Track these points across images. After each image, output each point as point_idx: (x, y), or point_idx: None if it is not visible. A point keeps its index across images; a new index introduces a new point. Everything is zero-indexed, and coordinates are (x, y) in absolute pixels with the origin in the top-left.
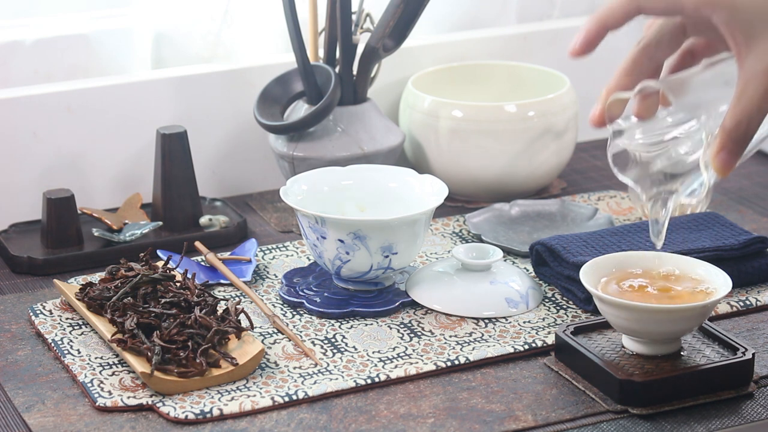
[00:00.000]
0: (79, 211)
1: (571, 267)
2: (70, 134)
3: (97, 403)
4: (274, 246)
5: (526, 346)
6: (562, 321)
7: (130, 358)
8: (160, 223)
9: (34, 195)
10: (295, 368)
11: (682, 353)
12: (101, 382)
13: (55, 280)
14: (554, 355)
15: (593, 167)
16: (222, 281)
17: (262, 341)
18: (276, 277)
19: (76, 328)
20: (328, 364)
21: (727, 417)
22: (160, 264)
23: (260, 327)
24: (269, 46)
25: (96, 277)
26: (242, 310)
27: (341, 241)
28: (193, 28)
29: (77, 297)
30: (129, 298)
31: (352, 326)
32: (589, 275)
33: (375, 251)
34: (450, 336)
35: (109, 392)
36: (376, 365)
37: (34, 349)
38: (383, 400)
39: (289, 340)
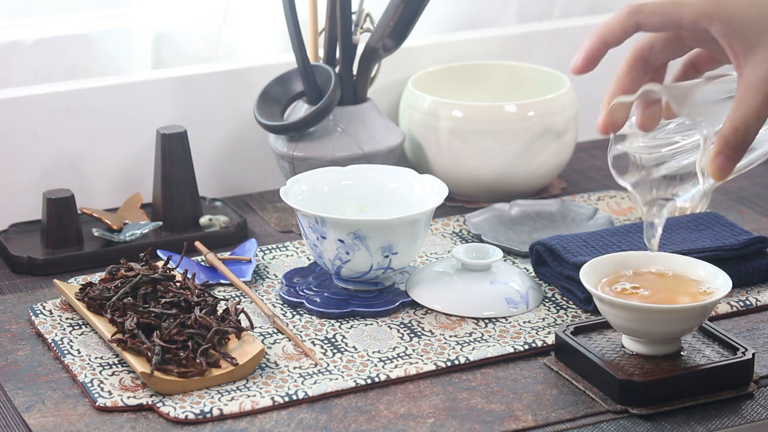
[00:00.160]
0: (79, 211)
1: (571, 267)
2: (70, 134)
3: (97, 403)
4: (274, 246)
5: (526, 346)
6: (562, 321)
7: (130, 358)
8: (160, 223)
9: (34, 195)
10: (295, 368)
11: (682, 353)
12: (101, 382)
13: (55, 280)
14: (554, 355)
15: (593, 167)
16: (222, 281)
17: (262, 341)
18: (276, 277)
19: (76, 328)
20: (328, 364)
21: (727, 417)
22: (160, 264)
23: (260, 327)
24: (269, 46)
25: (96, 277)
26: (242, 310)
27: (341, 241)
28: (193, 28)
29: (77, 297)
30: (129, 298)
31: (352, 326)
32: (589, 275)
33: (375, 251)
34: (450, 336)
35: (109, 392)
36: (376, 365)
37: (34, 349)
38: (383, 400)
39: (289, 340)
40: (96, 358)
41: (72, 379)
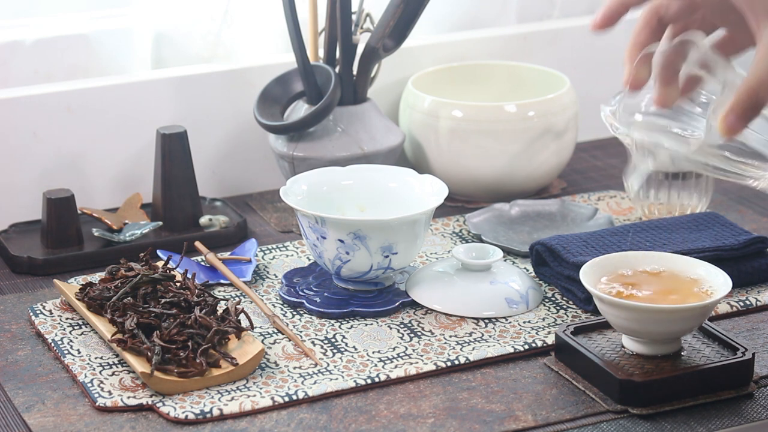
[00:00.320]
0: (79, 211)
1: (571, 267)
2: (70, 134)
3: (97, 403)
4: (274, 246)
5: (526, 346)
6: (562, 321)
7: (130, 358)
8: (160, 223)
9: (34, 195)
10: (295, 368)
11: (682, 353)
12: (101, 382)
13: (55, 280)
14: (554, 355)
15: (593, 167)
16: (222, 281)
17: (262, 341)
18: (276, 277)
19: (76, 328)
20: (328, 364)
21: (727, 417)
22: (160, 264)
23: (260, 327)
24: (269, 46)
25: (96, 277)
26: (242, 310)
27: (341, 241)
28: (193, 28)
29: (77, 297)
30: (129, 298)
31: (352, 326)
32: (589, 275)
33: (375, 251)
34: (450, 336)
35: (109, 392)
36: (376, 365)
37: (34, 349)
38: (383, 400)
39: (289, 340)
40: (96, 358)
41: (72, 379)
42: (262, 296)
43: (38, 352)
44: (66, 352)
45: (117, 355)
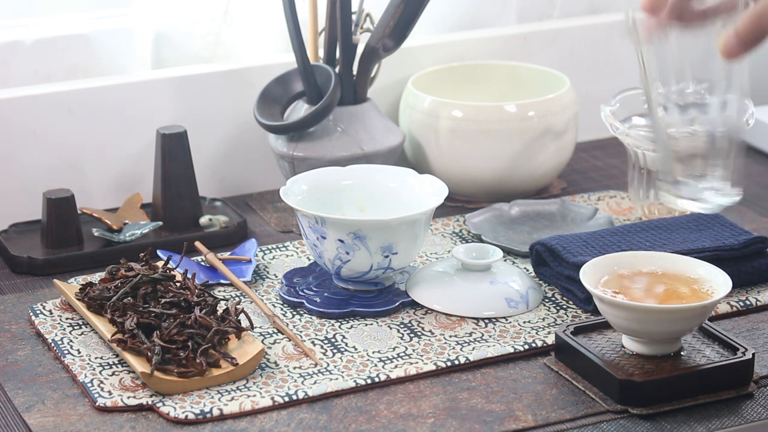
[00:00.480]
0: (79, 211)
1: (571, 267)
2: (70, 134)
3: (97, 403)
4: (274, 246)
5: (526, 346)
6: (562, 321)
7: (130, 358)
8: (160, 223)
9: (34, 195)
10: (295, 368)
11: (682, 353)
12: (101, 382)
13: (55, 280)
14: (554, 355)
15: (593, 167)
16: (222, 281)
17: (262, 341)
18: (276, 277)
19: (76, 328)
20: (328, 364)
21: (727, 417)
22: (160, 264)
23: (260, 327)
24: (269, 46)
25: (96, 277)
26: (242, 310)
27: (341, 241)
28: (193, 28)
29: (77, 297)
30: (129, 298)
31: (352, 326)
32: (589, 275)
33: (375, 251)
34: (450, 336)
35: (109, 392)
36: (376, 365)
37: (34, 349)
38: (383, 400)
39: (289, 340)
40: (96, 358)
41: (72, 379)
42: (262, 296)
43: (38, 352)
44: (66, 352)
45: (117, 355)
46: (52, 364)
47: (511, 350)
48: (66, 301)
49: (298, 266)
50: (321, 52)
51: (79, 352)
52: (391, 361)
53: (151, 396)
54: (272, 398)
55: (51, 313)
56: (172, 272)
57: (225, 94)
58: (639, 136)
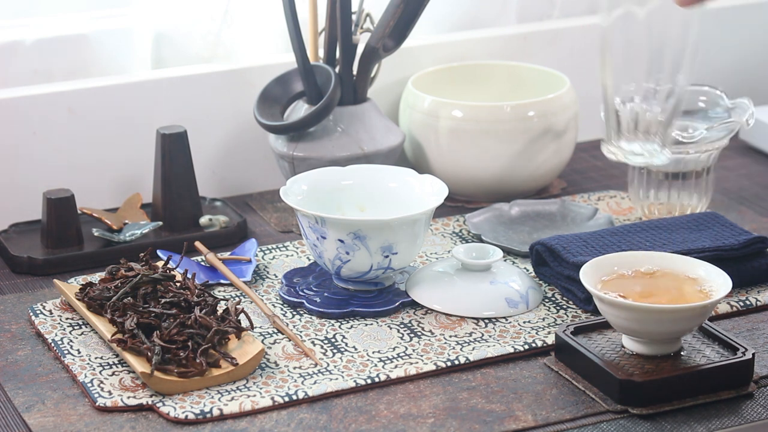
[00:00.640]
0: (79, 211)
1: (571, 267)
2: (70, 134)
3: (97, 403)
4: (274, 246)
5: (526, 346)
6: (562, 321)
7: (130, 358)
8: (160, 223)
9: (34, 195)
10: (295, 368)
11: (682, 353)
12: (101, 382)
13: (55, 280)
14: (554, 355)
15: (593, 167)
16: (222, 281)
17: (262, 341)
18: (276, 277)
19: (76, 328)
20: (328, 364)
21: (727, 417)
22: (160, 264)
23: (260, 327)
24: (269, 46)
25: (96, 277)
26: (242, 310)
27: (341, 241)
28: (193, 28)
29: (77, 297)
30: (129, 298)
31: (352, 326)
32: (589, 275)
33: (375, 251)
34: (450, 336)
35: (109, 392)
36: (376, 365)
37: (34, 349)
38: (383, 400)
39: (289, 340)
40: (96, 358)
41: (72, 379)
42: (262, 296)
43: (38, 352)
44: (66, 352)
45: (117, 355)
46: (52, 364)
47: (511, 350)
48: (66, 301)
49: (298, 266)
50: (321, 52)
51: (79, 352)
52: (391, 361)
53: (151, 396)
54: (272, 398)
55: (51, 313)
56: (172, 272)
57: (225, 94)
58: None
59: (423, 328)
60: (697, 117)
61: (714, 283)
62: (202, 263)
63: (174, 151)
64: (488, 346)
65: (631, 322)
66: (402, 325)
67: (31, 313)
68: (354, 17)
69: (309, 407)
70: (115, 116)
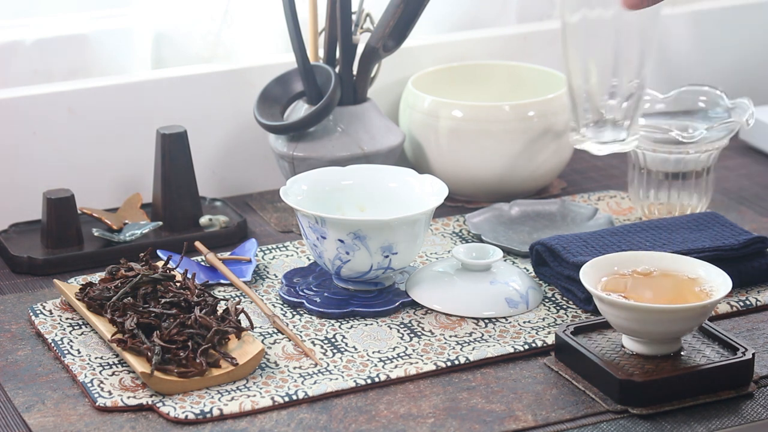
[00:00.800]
0: (79, 211)
1: (571, 267)
2: (70, 134)
3: (97, 403)
4: (274, 246)
5: (526, 346)
6: (562, 321)
7: (130, 358)
8: (160, 223)
9: (34, 195)
10: (295, 368)
11: (682, 353)
12: (101, 382)
13: (55, 280)
14: (554, 355)
15: (593, 167)
16: (222, 281)
17: (262, 341)
18: (276, 277)
19: (76, 328)
20: (328, 364)
21: (727, 417)
22: (160, 264)
23: (260, 327)
24: (269, 46)
25: (96, 277)
26: (242, 310)
27: (341, 241)
28: (193, 28)
29: (77, 297)
30: (129, 298)
31: (352, 326)
32: (589, 275)
33: (375, 251)
34: (450, 336)
35: (109, 392)
36: (376, 365)
37: (34, 349)
38: (383, 400)
39: (289, 340)
40: (96, 358)
41: (72, 379)
42: (262, 296)
43: (38, 352)
44: (66, 352)
45: (117, 355)
46: (52, 364)
47: (511, 350)
48: (66, 301)
49: (298, 266)
50: (321, 52)
51: (79, 352)
52: (391, 361)
53: (151, 396)
54: (272, 398)
55: (51, 313)
56: (172, 272)
57: (225, 94)
58: (639, 136)
59: (423, 328)
60: (697, 117)
61: (714, 283)
62: (202, 263)
63: (174, 151)
64: (488, 346)
65: (631, 322)
66: (402, 325)
67: (31, 313)
68: (354, 17)
69: (309, 407)
70: (115, 116)
